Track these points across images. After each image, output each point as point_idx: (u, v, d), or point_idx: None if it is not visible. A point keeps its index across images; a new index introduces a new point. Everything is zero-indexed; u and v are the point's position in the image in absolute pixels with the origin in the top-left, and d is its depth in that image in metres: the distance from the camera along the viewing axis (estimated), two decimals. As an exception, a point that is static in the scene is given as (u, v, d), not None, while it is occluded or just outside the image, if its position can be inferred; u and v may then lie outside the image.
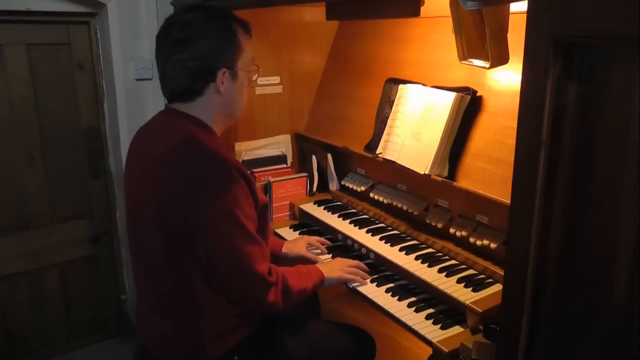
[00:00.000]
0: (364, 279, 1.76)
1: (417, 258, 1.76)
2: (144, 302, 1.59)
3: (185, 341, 1.48)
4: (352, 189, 2.24)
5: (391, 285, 1.74)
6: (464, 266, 1.71)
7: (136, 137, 1.59)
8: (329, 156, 2.30)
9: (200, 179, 1.36)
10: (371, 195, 2.11)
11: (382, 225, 2.04)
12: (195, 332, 1.47)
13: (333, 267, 1.72)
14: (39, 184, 2.79)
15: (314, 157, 2.38)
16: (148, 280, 1.53)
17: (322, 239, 2.02)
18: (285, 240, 2.03)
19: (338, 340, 1.73)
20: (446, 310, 1.60)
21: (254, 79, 1.59)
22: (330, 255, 1.95)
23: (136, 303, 1.64)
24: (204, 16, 1.45)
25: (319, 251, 1.97)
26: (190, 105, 1.48)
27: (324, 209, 2.21)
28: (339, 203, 2.26)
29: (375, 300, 1.67)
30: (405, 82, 1.95)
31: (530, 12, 0.91)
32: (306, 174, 2.37)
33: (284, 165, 2.43)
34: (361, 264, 1.80)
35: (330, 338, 1.73)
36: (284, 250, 1.92)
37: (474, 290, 1.55)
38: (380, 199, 2.06)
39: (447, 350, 1.41)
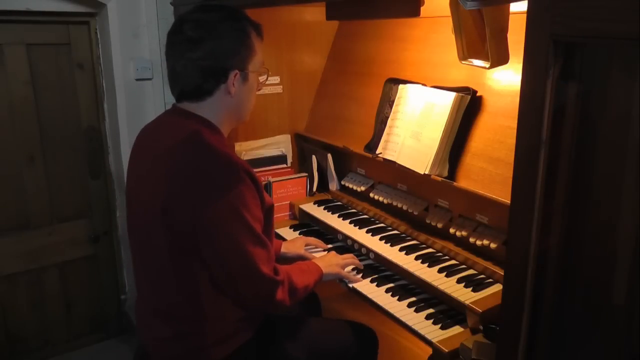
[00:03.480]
0: (360, 269, 1.80)
1: (417, 258, 1.76)
2: (145, 304, 1.57)
3: (186, 344, 1.47)
4: (352, 189, 2.24)
5: (391, 285, 1.74)
6: (464, 266, 1.71)
7: (140, 135, 1.58)
8: (329, 156, 2.30)
9: (207, 178, 1.35)
10: (371, 195, 2.11)
11: (382, 225, 2.04)
12: (197, 335, 1.46)
13: (330, 262, 1.75)
14: (39, 184, 2.79)
15: (314, 157, 2.38)
16: (150, 282, 1.52)
17: (320, 241, 2.02)
18: (285, 240, 2.03)
19: (340, 339, 1.74)
20: (446, 310, 1.60)
21: (262, 81, 1.58)
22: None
23: (136, 304, 1.63)
24: (219, 16, 1.44)
25: (318, 249, 1.98)
26: (198, 105, 1.47)
27: (324, 209, 2.21)
28: (339, 203, 2.26)
29: (375, 300, 1.67)
30: (405, 82, 1.95)
31: (530, 12, 0.91)
32: (306, 174, 2.37)
33: (284, 165, 2.43)
34: (355, 259, 1.82)
35: (331, 337, 1.73)
36: (282, 249, 1.93)
37: (474, 290, 1.55)
38: (380, 199, 2.06)
39: (447, 350, 1.41)
